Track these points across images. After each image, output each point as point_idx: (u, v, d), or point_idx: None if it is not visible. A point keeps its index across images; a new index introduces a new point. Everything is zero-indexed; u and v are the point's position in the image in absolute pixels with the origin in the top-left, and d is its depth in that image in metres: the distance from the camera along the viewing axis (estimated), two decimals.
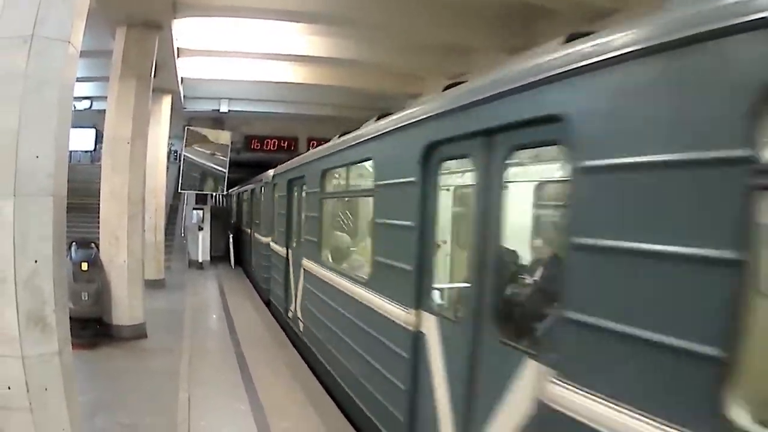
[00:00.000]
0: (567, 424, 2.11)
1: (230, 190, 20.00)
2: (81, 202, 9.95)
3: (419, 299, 3.49)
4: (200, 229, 16.56)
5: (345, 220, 6.73)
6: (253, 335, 8.12)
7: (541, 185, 3.73)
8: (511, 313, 2.95)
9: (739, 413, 1.59)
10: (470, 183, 3.18)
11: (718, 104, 1.63)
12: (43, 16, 3.07)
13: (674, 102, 1.78)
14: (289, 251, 8.42)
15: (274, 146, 17.29)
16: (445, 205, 3.66)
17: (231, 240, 17.87)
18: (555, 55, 2.31)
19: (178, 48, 9.79)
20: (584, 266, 2.12)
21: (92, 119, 15.48)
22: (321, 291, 6.06)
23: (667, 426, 1.72)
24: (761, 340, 1.71)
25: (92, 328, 6.84)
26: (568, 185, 2.21)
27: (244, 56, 11.13)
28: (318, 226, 6.44)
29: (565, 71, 2.21)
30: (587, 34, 2.28)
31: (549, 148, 2.62)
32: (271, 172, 10.60)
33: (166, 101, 12.48)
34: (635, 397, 1.85)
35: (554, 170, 3.37)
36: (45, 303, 3.11)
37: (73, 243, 7.26)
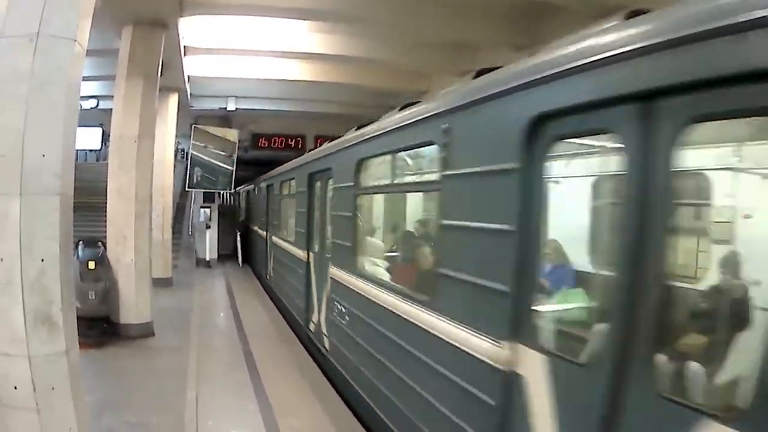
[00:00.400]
0: (337, 284, 5.54)
1: (238, 188, 20.06)
2: (88, 201, 9.97)
3: (308, 246, 7.29)
4: (208, 227, 16.56)
5: (290, 211, 9.76)
6: (262, 333, 8.12)
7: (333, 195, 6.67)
8: (329, 248, 6.24)
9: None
10: (321, 193, 6.76)
11: (350, 167, 5.14)
12: (49, 15, 3.06)
13: (343, 164, 5.52)
14: (267, 233, 12.09)
15: (281, 144, 17.22)
16: (318, 202, 7.01)
17: (238, 238, 17.87)
18: (328, 146, 6.55)
19: (184, 46, 9.77)
20: (332, 219, 5.97)
21: (99, 118, 15.49)
22: (279, 253, 10.00)
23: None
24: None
25: (99, 327, 6.88)
26: (331, 194, 6.02)
27: (251, 54, 11.09)
28: (278, 215, 10.62)
29: (329, 153, 6.18)
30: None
31: (331, 179, 6.03)
32: (260, 177, 14.27)
33: (173, 100, 12.49)
34: (339, 263, 5.50)
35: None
36: (52, 302, 3.11)
37: (80, 242, 7.30)
